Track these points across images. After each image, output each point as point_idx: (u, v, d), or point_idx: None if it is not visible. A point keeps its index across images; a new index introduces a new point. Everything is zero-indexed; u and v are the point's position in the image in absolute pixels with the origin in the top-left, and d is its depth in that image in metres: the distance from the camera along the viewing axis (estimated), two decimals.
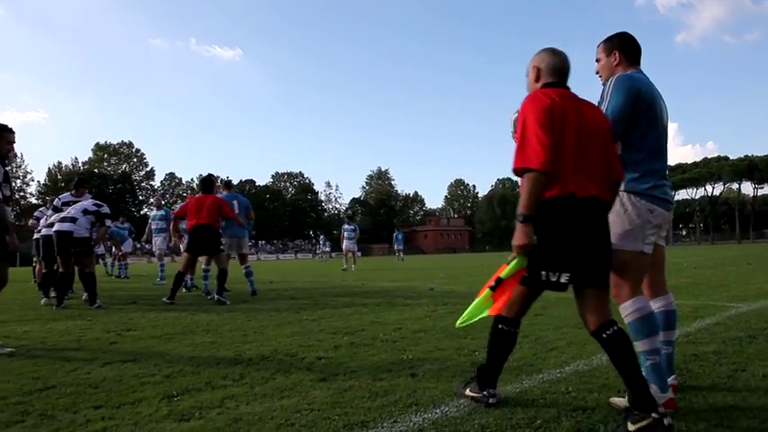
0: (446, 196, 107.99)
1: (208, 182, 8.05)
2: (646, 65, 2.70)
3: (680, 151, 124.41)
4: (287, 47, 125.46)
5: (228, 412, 2.46)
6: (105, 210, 7.61)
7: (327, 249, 37.78)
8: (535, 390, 2.73)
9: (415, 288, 9.30)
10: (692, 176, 79.13)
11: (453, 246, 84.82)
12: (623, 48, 2.66)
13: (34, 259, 13.33)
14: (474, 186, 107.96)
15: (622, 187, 2.47)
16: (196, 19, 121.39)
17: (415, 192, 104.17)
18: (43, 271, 8.35)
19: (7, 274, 4.37)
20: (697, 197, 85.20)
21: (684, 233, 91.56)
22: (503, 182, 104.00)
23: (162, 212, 13.12)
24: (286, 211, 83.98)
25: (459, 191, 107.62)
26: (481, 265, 19.88)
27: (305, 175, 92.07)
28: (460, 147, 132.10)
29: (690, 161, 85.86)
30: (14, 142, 4.50)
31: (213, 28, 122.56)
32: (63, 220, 7.19)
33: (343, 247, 19.07)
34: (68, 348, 4.14)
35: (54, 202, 8.24)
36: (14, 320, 5.92)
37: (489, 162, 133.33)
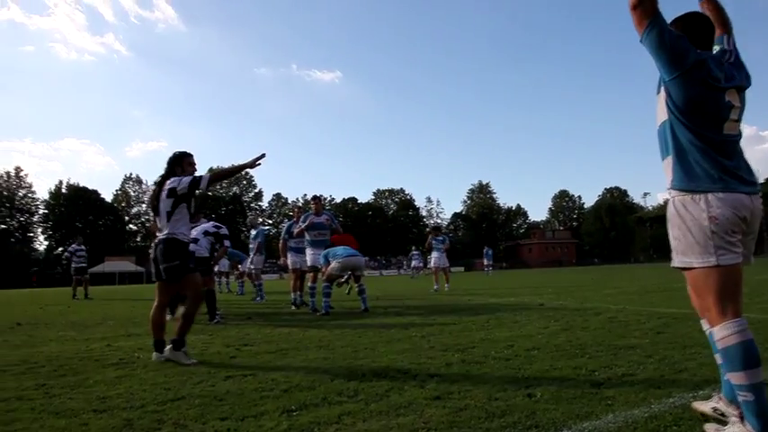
0: (550, 208, 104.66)
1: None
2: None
3: None
4: (384, 66, 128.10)
5: (346, 429, 2.48)
6: (224, 231, 8.21)
7: (420, 264, 33.88)
8: (666, 415, 2.52)
9: (524, 304, 9.02)
10: None
11: (559, 259, 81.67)
12: (690, 29, 2.41)
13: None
14: (579, 197, 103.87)
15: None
16: (296, 46, 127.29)
17: (518, 204, 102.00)
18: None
19: (199, 283, 4.76)
20: None
21: None
22: (610, 191, 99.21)
23: (257, 232, 13.68)
24: (388, 227, 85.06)
25: (563, 202, 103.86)
26: (592, 278, 18.96)
27: (406, 192, 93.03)
28: (563, 157, 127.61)
29: None
30: (195, 164, 4.92)
31: (313, 53, 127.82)
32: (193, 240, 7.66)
33: (431, 263, 16.27)
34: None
35: None
36: (146, 334, 6.39)
37: (595, 172, 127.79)
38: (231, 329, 6.59)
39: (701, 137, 2.25)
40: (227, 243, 8.29)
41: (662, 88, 2.34)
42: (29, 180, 71.29)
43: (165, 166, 4.87)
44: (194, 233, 7.81)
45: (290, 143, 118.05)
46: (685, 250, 2.25)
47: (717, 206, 2.17)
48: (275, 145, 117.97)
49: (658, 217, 79.62)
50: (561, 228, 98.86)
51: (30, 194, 70.17)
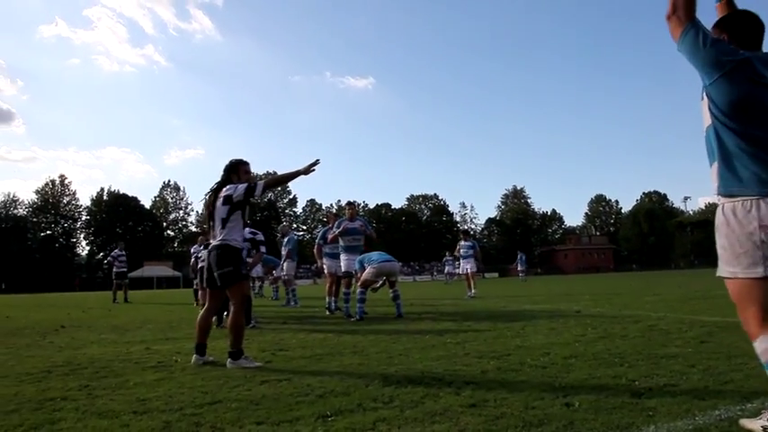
0: (586, 213, 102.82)
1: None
2: None
3: None
4: (417, 71, 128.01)
5: None
6: (260, 237, 8.39)
7: (454, 270, 32.10)
8: (712, 429, 2.43)
9: (560, 310, 8.87)
10: None
11: (596, 265, 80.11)
12: (731, 29, 2.34)
13: (195, 283, 14.82)
14: (617, 202, 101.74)
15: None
16: (330, 53, 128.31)
17: (553, 209, 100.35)
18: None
19: (247, 291, 4.86)
20: None
21: None
22: (649, 195, 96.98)
23: (288, 239, 13.79)
24: (422, 233, 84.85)
25: (600, 207, 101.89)
26: (630, 285, 18.53)
27: (439, 197, 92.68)
28: (600, 161, 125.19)
29: None
30: (251, 172, 5.01)
31: (346, 60, 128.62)
32: None
33: (460, 269, 16.14)
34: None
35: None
36: (184, 338, 6.52)
37: (632, 176, 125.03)
38: (266, 334, 6.66)
39: (750, 139, 2.17)
40: (262, 249, 8.44)
41: (704, 94, 2.29)
42: (73, 187, 73.61)
43: (222, 173, 4.96)
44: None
45: (323, 149, 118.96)
46: (731, 259, 2.17)
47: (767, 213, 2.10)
48: (309, 152, 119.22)
49: (700, 222, 77.44)
50: (598, 233, 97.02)
51: (73, 201, 72.46)
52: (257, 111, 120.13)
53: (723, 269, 2.22)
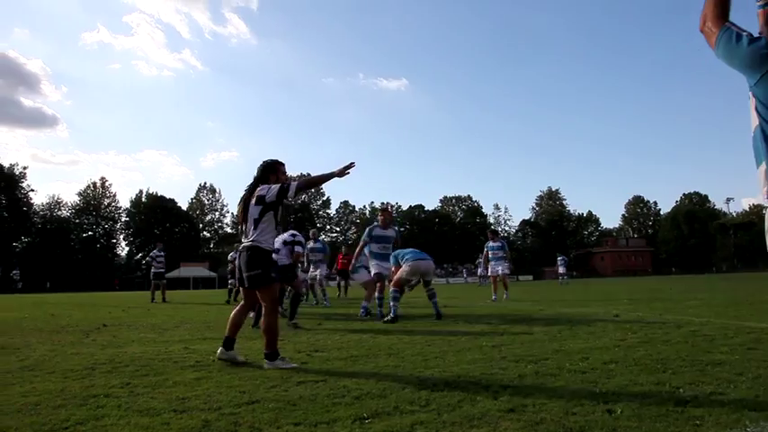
0: (623, 215, 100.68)
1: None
2: None
3: None
4: (449, 72, 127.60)
5: None
6: (299, 238, 8.75)
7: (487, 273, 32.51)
8: None
9: (598, 314, 8.69)
10: None
11: (634, 268, 78.36)
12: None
13: (230, 282, 15.16)
14: (655, 203, 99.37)
15: None
16: (363, 55, 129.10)
17: (589, 211, 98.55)
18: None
19: (277, 294, 4.84)
20: None
21: None
22: (689, 196, 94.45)
23: (319, 245, 13.86)
24: (455, 234, 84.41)
25: (638, 208, 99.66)
26: (670, 289, 18.05)
27: (473, 199, 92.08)
28: (638, 161, 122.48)
29: None
30: (287, 173, 5.01)
31: (379, 61, 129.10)
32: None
33: (489, 271, 15.22)
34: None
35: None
36: (221, 338, 6.57)
37: (672, 176, 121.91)
38: (302, 335, 6.70)
39: None
40: (298, 249, 8.71)
41: (750, 93, 2.21)
42: (113, 190, 75.60)
43: (258, 172, 4.90)
44: (276, 244, 8.10)
45: (357, 151, 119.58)
46: None
47: None
48: (342, 153, 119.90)
49: (743, 224, 74.99)
50: (635, 235, 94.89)
51: (113, 203, 74.43)
52: (291, 113, 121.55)
53: None
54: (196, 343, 6.14)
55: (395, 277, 8.71)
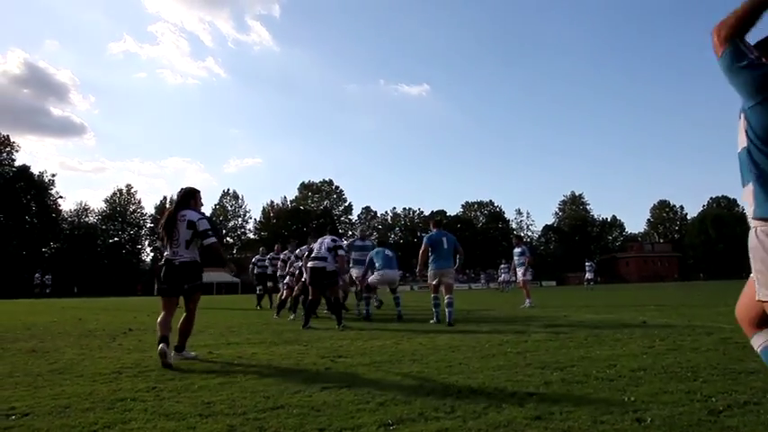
0: (649, 219, 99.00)
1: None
2: None
3: None
4: (471, 77, 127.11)
5: None
6: (339, 243, 8.99)
7: (512, 278, 30.11)
8: None
9: (624, 321, 8.55)
10: None
11: (659, 273, 77.01)
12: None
13: (258, 288, 15.15)
14: (681, 207, 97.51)
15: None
16: (384, 61, 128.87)
17: (613, 216, 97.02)
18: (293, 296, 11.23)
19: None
20: None
21: None
22: (716, 201, 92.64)
23: (368, 243, 13.64)
24: (477, 240, 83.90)
25: (663, 213, 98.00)
26: (698, 294, 17.68)
27: (495, 204, 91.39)
28: (663, 165, 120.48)
29: None
30: (201, 200, 5.92)
31: (400, 67, 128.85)
32: (315, 258, 8.70)
33: (518, 277, 15.12)
34: (290, 371, 4.50)
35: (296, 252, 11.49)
36: (245, 342, 6.65)
37: (698, 180, 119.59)
38: (325, 341, 6.70)
39: None
40: (340, 252, 8.94)
41: (741, 114, 2.19)
42: (138, 196, 76.66)
43: (178, 197, 5.83)
44: (322, 251, 8.75)
45: (378, 157, 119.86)
46: None
47: None
48: (364, 159, 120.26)
49: None
50: (661, 240, 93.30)
51: (139, 210, 75.40)
52: (313, 119, 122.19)
53: (762, 293, 2.11)
54: (220, 348, 6.18)
55: (364, 283, 10.33)
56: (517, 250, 14.94)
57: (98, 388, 3.88)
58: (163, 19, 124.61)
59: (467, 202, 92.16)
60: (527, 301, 13.80)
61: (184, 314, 5.55)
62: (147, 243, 75.40)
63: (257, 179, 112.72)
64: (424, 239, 9.24)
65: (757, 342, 2.43)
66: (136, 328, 9.10)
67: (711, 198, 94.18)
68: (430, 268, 9.09)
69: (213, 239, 5.59)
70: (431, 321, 8.98)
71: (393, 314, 10.52)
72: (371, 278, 10.22)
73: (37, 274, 39.07)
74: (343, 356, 5.28)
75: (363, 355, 5.32)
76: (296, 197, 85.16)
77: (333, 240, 8.93)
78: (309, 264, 8.77)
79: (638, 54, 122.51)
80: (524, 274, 14.53)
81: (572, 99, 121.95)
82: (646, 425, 2.68)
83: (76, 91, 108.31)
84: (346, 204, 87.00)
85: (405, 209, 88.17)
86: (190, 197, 5.78)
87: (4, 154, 63.27)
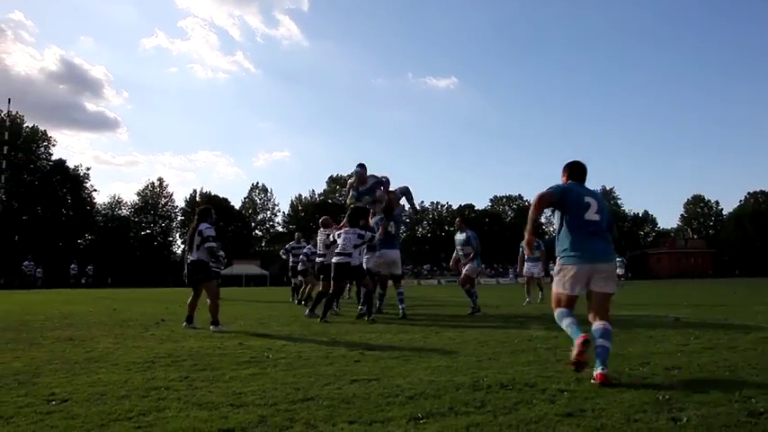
0: (682, 215, 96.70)
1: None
2: None
3: None
4: (499, 69, 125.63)
5: None
6: (368, 235, 8.88)
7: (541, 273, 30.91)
8: None
9: (656, 317, 8.39)
10: None
11: (693, 270, 75.28)
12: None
13: (293, 281, 14.89)
14: (717, 203, 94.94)
15: None
16: (412, 54, 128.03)
17: (645, 211, 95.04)
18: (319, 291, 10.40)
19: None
20: None
21: None
22: (754, 195, 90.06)
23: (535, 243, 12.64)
24: (505, 234, 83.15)
25: (698, 208, 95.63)
26: (735, 292, 17.23)
27: (524, 198, 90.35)
28: (697, 159, 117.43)
29: None
30: (214, 216, 8.23)
31: (428, 60, 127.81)
32: (340, 254, 8.67)
33: (524, 272, 14.07)
34: (320, 363, 4.53)
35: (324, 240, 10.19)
36: (274, 334, 6.73)
37: (735, 174, 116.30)
38: (354, 334, 6.73)
39: None
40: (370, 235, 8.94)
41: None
42: (169, 189, 77.92)
43: (198, 215, 8.07)
44: (348, 247, 8.65)
45: (406, 151, 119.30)
46: None
47: None
48: (392, 153, 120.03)
49: None
50: (695, 236, 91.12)
51: (170, 203, 76.69)
52: (341, 113, 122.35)
53: None
54: (250, 339, 6.26)
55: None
56: (534, 243, 14.09)
57: (133, 376, 3.96)
58: (192, 14, 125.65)
59: (495, 197, 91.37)
60: (539, 296, 13.53)
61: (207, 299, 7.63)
62: (177, 235, 76.64)
63: (286, 173, 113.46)
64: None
65: None
66: (168, 318, 9.29)
67: (749, 193, 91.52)
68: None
69: (210, 243, 7.57)
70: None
71: (413, 313, 9.93)
72: (368, 263, 9.28)
73: (73, 266, 40.06)
74: (372, 350, 5.29)
75: (392, 349, 5.32)
76: (324, 190, 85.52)
77: (359, 237, 8.72)
78: (334, 259, 8.75)
79: (672, 44, 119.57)
80: (540, 271, 14.01)
81: (603, 91, 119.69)
82: (681, 424, 2.63)
83: (110, 86, 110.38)
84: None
85: (432, 203, 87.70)
86: (206, 214, 7.97)
87: (42, 148, 64.96)
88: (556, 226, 4.29)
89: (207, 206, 8.25)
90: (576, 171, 4.38)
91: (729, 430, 2.52)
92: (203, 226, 7.64)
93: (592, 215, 4.10)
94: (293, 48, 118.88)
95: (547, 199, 4.19)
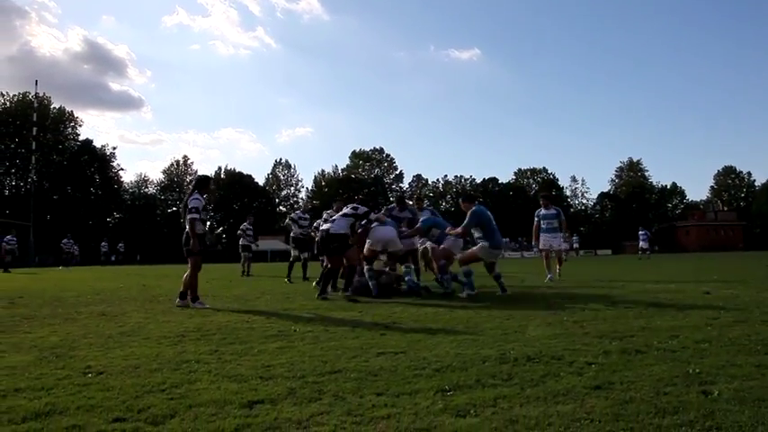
0: (712, 186, 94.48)
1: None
2: None
3: None
4: (522, 40, 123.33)
5: (503, 412, 2.42)
6: (362, 210, 8.50)
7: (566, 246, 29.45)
8: None
9: (686, 291, 8.26)
10: None
11: (723, 243, 73.79)
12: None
13: (301, 255, 14.76)
14: (749, 174, 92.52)
15: None
16: (433, 26, 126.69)
17: (673, 183, 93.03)
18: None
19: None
20: None
21: None
22: None
23: (407, 213, 10.66)
24: (530, 208, 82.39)
25: (728, 180, 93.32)
26: (767, 266, 16.84)
27: (549, 171, 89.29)
28: (728, 130, 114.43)
29: None
30: (212, 185, 8.32)
31: (450, 32, 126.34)
32: (326, 222, 8.83)
33: (540, 245, 12.25)
34: (346, 336, 4.57)
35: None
36: (300, 308, 6.81)
37: None
38: (378, 307, 6.77)
39: None
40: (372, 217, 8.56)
41: None
42: (194, 167, 78.87)
43: (192, 185, 7.84)
44: (336, 216, 8.59)
45: (429, 124, 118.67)
46: None
47: None
48: (415, 126, 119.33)
49: None
50: (725, 209, 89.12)
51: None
52: (363, 87, 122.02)
53: None
54: (277, 313, 6.34)
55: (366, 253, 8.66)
56: (550, 212, 12.20)
57: (164, 350, 4.06)
58: None
59: (519, 170, 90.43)
60: (557, 272, 12.11)
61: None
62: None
63: (309, 148, 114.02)
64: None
65: None
66: None
67: None
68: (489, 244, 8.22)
69: (191, 215, 7.23)
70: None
71: (437, 287, 9.04)
72: (369, 244, 8.61)
73: (104, 243, 41.01)
74: (397, 323, 5.33)
75: (417, 322, 5.36)
76: (347, 165, 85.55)
77: (353, 209, 8.43)
78: (322, 228, 8.83)
79: (700, 13, 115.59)
80: (560, 243, 12.27)
81: (630, 61, 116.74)
82: (713, 398, 2.59)
83: (133, 65, 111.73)
84: (397, 172, 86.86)
85: (456, 176, 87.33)
86: (200, 183, 7.71)
87: (69, 129, 66.10)
88: None
89: (204, 175, 8.03)
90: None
91: (763, 404, 2.48)
92: (192, 197, 7.42)
93: None
94: (314, 22, 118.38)
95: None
